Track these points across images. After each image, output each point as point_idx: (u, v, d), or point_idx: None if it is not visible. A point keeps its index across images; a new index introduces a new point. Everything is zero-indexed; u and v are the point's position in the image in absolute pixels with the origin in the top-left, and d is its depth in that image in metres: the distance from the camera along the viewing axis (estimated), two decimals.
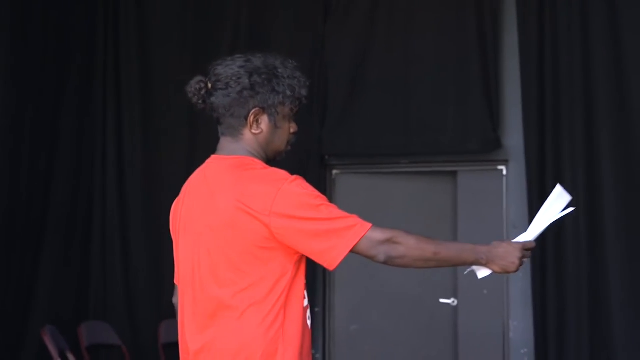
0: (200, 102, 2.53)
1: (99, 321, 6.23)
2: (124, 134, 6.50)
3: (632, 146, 5.52)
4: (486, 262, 2.50)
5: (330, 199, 6.36)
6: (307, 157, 6.21)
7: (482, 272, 2.52)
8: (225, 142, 2.54)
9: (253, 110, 2.49)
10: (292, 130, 2.58)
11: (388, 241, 2.39)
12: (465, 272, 2.54)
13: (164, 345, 5.90)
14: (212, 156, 2.56)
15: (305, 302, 2.47)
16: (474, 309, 6.02)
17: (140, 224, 6.41)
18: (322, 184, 6.31)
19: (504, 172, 6.06)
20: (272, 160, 2.58)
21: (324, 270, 6.28)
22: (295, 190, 2.39)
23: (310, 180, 7.00)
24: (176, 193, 2.65)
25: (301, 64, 6.68)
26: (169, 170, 6.30)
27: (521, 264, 2.51)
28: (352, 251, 2.40)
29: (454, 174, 6.18)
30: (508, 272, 2.52)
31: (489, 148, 5.96)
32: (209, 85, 2.51)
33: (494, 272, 2.52)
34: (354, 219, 2.42)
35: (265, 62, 2.52)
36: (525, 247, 2.53)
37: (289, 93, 2.50)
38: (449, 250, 2.47)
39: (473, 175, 6.14)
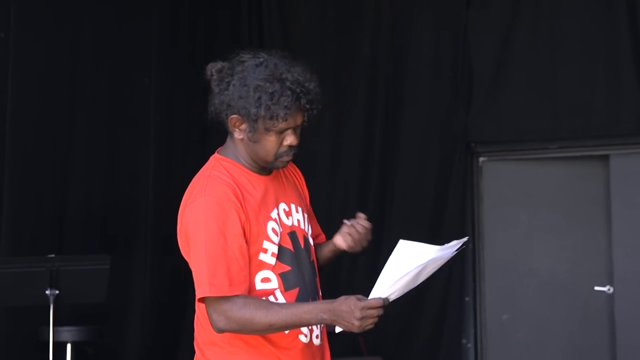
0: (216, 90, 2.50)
1: None
2: None
3: None
4: (330, 321, 2.33)
5: (478, 187, 6.34)
6: (454, 145, 6.17)
7: (337, 327, 2.35)
8: (228, 139, 2.57)
9: (232, 117, 2.46)
10: (286, 143, 2.46)
11: (220, 315, 2.37)
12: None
13: None
14: (216, 152, 2.61)
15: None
16: (631, 297, 5.83)
17: None
18: (468, 171, 6.25)
19: None
20: (270, 167, 2.51)
21: (474, 260, 6.23)
22: (187, 216, 2.45)
23: (457, 168, 6.97)
24: None
25: (444, 53, 6.69)
26: (314, 162, 6.37)
27: (365, 324, 2.30)
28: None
29: (605, 157, 5.99)
30: (352, 331, 2.33)
31: None
32: (214, 76, 2.50)
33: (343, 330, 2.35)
34: (206, 277, 2.37)
35: (264, 71, 2.43)
36: (367, 306, 2.29)
37: (262, 112, 2.39)
38: (285, 318, 2.34)
39: (626, 158, 5.93)
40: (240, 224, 2.40)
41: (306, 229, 2.58)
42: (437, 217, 6.21)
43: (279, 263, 2.46)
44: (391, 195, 6.30)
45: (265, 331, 2.39)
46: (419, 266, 2.32)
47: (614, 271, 5.90)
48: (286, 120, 2.41)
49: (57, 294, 4.87)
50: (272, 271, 2.45)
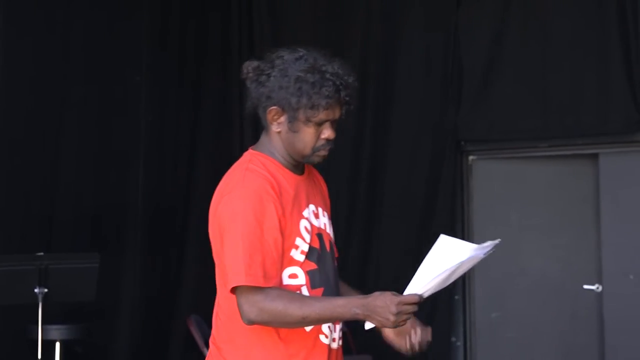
0: (251, 88, 2.51)
1: None
2: (260, 127, 6.61)
3: None
4: (364, 317, 2.31)
5: (467, 186, 6.35)
6: (444, 143, 6.18)
7: (367, 324, 2.33)
8: (262, 134, 2.55)
9: (271, 108, 2.46)
10: (323, 136, 2.47)
11: (252, 306, 2.33)
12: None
13: None
14: (249, 148, 2.59)
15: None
16: (620, 296, 5.84)
17: None
18: (458, 170, 6.26)
19: None
20: (305, 162, 2.52)
21: None
22: (224, 207, 2.42)
23: (447, 167, 6.98)
24: None
25: (435, 51, 6.69)
26: None
27: (400, 319, 2.30)
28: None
29: (595, 156, 6.00)
30: (386, 327, 2.35)
31: (632, 128, 5.77)
32: (251, 73, 2.50)
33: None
34: (242, 266, 2.34)
35: (307, 63, 2.45)
36: (403, 301, 2.30)
37: (304, 101, 2.41)
38: (319, 311, 2.32)
39: (616, 157, 5.94)
40: (277, 217, 2.38)
41: (331, 234, 2.58)
42: (427, 215, 6.21)
43: (307, 261, 2.44)
44: (381, 193, 6.30)
45: (297, 324, 2.36)
46: (457, 264, 2.34)
47: (603, 270, 5.91)
48: (327, 110, 2.42)
49: (46, 292, 4.86)
50: (301, 268, 2.43)
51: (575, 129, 5.93)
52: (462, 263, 2.35)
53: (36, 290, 4.84)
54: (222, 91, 6.64)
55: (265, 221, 2.37)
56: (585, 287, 6.03)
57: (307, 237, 2.45)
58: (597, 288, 5.99)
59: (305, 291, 2.43)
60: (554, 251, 6.04)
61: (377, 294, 2.33)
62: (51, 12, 5.55)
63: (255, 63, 2.50)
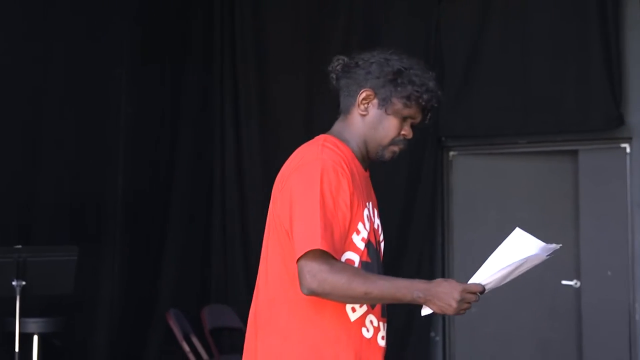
0: (334, 79, 2.53)
1: (221, 305, 6.37)
2: (241, 125, 6.62)
3: None
4: (424, 301, 2.31)
5: (448, 181, 6.36)
6: (424, 139, 6.18)
7: (425, 310, 2.33)
8: (336, 122, 2.54)
9: (365, 90, 2.46)
10: (403, 132, 2.51)
11: (316, 275, 2.25)
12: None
13: (211, 331, 5.92)
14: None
15: None
16: (597, 291, 5.88)
17: (258, 209, 6.51)
18: (439, 165, 6.28)
19: (628, 150, 5.88)
20: (373, 157, 2.52)
21: (443, 253, 6.25)
22: (298, 176, 2.35)
23: (427, 163, 6.99)
24: None
25: (416, 47, 6.70)
26: (286, 156, 6.36)
27: (462, 307, 2.32)
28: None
29: (574, 153, 6.03)
30: (446, 314, 2.33)
31: (611, 125, 5.79)
32: (346, 65, 2.52)
33: (434, 312, 2.33)
34: (319, 231, 2.26)
35: (402, 60, 2.50)
36: (467, 289, 2.34)
37: (408, 88, 2.44)
38: (382, 289, 2.28)
39: (595, 153, 5.97)
40: (349, 195, 2.35)
41: (382, 237, 2.55)
42: (407, 211, 6.22)
43: (365, 251, 2.40)
44: None
45: (358, 299, 2.31)
46: (523, 259, 2.35)
47: (581, 266, 5.95)
48: (417, 108, 2.47)
49: (24, 285, 4.83)
50: (359, 256, 2.39)
51: (555, 125, 5.96)
52: (527, 259, 2.36)
53: (14, 283, 4.80)
54: (204, 86, 6.62)
55: (340, 196, 2.33)
56: (564, 282, 6.06)
57: (368, 226, 2.42)
58: (576, 284, 6.02)
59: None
60: None
61: (440, 280, 2.34)
62: (32, 4, 5.51)
63: (344, 57, 2.53)
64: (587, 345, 5.89)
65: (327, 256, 2.26)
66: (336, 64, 2.53)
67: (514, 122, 6.04)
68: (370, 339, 2.41)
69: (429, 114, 2.52)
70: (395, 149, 2.53)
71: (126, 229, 5.97)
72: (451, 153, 6.37)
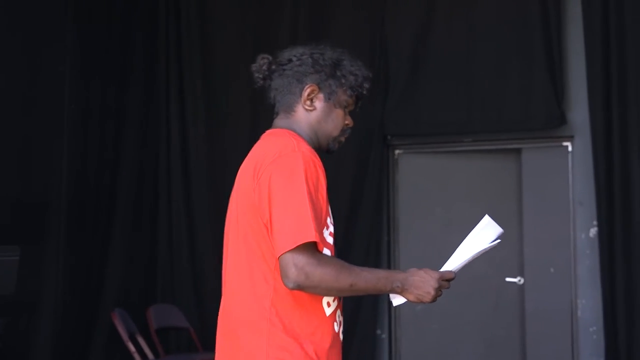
0: (261, 78, 2.51)
1: (167, 304, 6.32)
2: (187, 120, 6.58)
3: None
4: (401, 291, 2.34)
5: (393, 179, 6.40)
6: (369, 138, 6.21)
7: (397, 300, 2.37)
8: (277, 120, 2.51)
9: (308, 86, 2.47)
10: (346, 122, 2.53)
11: (303, 268, 2.22)
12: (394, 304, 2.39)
13: (157, 331, 5.89)
14: (266, 131, 2.51)
15: None
16: (540, 288, 5.96)
17: (204, 208, 6.48)
18: (384, 164, 6.30)
19: (570, 149, 5.97)
20: (324, 149, 2.51)
21: (389, 251, 6.28)
22: (279, 167, 2.30)
23: (373, 161, 6.99)
24: None
25: (361, 45, 6.69)
26: (232, 155, 6.34)
27: (438, 294, 2.37)
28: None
29: (518, 151, 6.11)
30: (423, 302, 2.36)
31: (553, 124, 5.88)
32: (273, 64, 2.51)
33: (408, 301, 2.37)
34: (311, 222, 2.23)
35: (334, 53, 2.53)
36: (443, 277, 2.40)
37: (350, 79, 2.49)
38: (366, 281, 2.29)
39: (537, 152, 6.06)
40: (325, 188, 2.34)
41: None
42: (353, 209, 6.24)
43: (333, 245, 2.39)
44: None
45: (343, 292, 2.30)
46: (488, 245, 2.42)
47: (525, 263, 6.03)
48: (362, 93, 2.52)
49: None
50: (329, 250, 2.36)
51: (499, 124, 6.02)
52: (489, 246, 2.44)
53: None
54: (150, 84, 6.56)
55: (319, 189, 2.31)
56: (508, 279, 6.13)
57: (332, 221, 2.42)
58: (519, 281, 6.10)
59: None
60: None
61: (414, 269, 2.37)
62: None
63: (269, 56, 2.53)
64: (530, 341, 5.97)
65: (314, 249, 2.25)
66: (261, 63, 2.52)
67: (458, 120, 6.09)
68: (337, 333, 2.44)
69: (360, 102, 2.56)
70: (342, 139, 2.54)
71: (70, 228, 5.89)
72: (397, 151, 6.40)
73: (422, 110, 6.16)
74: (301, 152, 2.32)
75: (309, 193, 2.26)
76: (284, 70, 2.49)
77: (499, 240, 2.49)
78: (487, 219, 2.47)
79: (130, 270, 6.29)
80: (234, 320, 2.38)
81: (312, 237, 2.22)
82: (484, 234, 2.47)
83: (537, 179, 6.03)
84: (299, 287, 2.25)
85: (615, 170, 5.57)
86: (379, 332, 6.32)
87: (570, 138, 5.96)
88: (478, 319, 6.22)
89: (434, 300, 2.36)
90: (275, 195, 2.27)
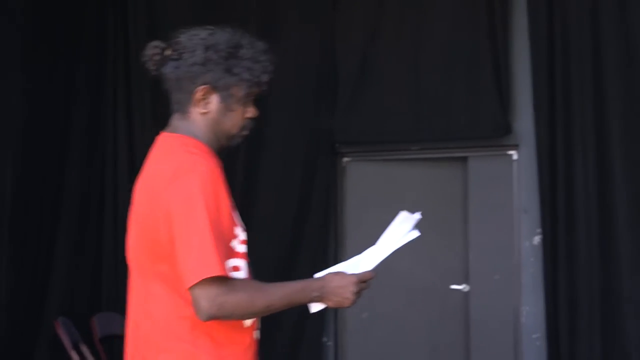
0: (154, 69, 2.36)
1: (112, 312, 6.24)
2: (134, 125, 6.50)
3: None
4: (320, 300, 2.32)
5: (341, 187, 6.41)
6: (317, 145, 6.21)
7: (315, 306, 2.35)
8: (175, 120, 2.38)
9: (201, 87, 2.30)
10: (248, 115, 2.40)
11: (214, 300, 2.15)
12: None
13: (101, 340, 5.83)
14: (163, 133, 2.41)
15: None
16: (485, 295, 6.02)
17: None
18: (332, 171, 6.31)
19: (515, 157, 6.04)
20: (226, 145, 2.41)
21: (336, 258, 6.28)
22: (178, 192, 2.18)
23: (321, 169, 6.98)
24: None
25: (310, 54, 6.68)
26: None
27: (357, 297, 2.35)
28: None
29: (464, 159, 6.16)
30: (342, 307, 2.34)
31: (499, 133, 5.94)
32: (164, 53, 2.35)
33: (328, 307, 2.35)
34: (214, 255, 2.14)
35: (231, 39, 2.33)
36: (361, 279, 2.37)
37: (246, 76, 2.31)
38: (282, 298, 2.24)
39: (484, 160, 6.12)
40: (229, 203, 2.26)
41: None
42: (301, 217, 6.23)
43: (245, 252, 2.33)
44: (255, 193, 6.27)
45: (259, 314, 2.25)
46: (408, 238, 2.42)
47: (470, 270, 6.08)
48: (262, 85, 2.35)
49: None
50: (242, 259, 2.30)
51: (446, 132, 6.07)
52: (407, 240, 2.44)
53: None
54: (97, 77, 6.47)
55: (222, 208, 2.21)
56: (453, 287, 6.18)
57: (241, 226, 2.34)
58: (464, 288, 6.15)
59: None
60: (423, 252, 6.17)
61: (331, 275, 2.33)
62: None
63: (162, 44, 2.36)
64: (474, 347, 6.02)
65: (223, 277, 2.17)
66: (152, 52, 2.36)
67: (405, 129, 6.12)
68: (257, 340, 2.41)
69: (261, 86, 2.41)
70: (246, 132, 2.43)
71: (13, 231, 5.77)
72: (344, 159, 6.42)
73: (370, 119, 6.18)
74: (198, 171, 2.20)
75: (211, 221, 2.16)
76: (176, 65, 2.32)
77: (418, 234, 2.46)
78: (403, 214, 2.45)
79: (74, 278, 6.19)
80: (150, 345, 2.29)
81: (216, 271, 2.14)
82: (402, 229, 2.46)
83: (482, 187, 6.09)
84: (214, 318, 2.19)
85: (559, 178, 5.65)
86: (325, 339, 6.32)
87: (515, 147, 6.03)
88: (423, 326, 6.26)
89: (352, 304, 2.34)
90: (176, 228, 2.17)
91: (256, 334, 2.40)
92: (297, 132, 6.23)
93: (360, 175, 6.40)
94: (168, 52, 2.34)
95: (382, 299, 6.28)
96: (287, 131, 6.24)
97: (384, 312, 6.30)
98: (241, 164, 6.29)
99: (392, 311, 6.29)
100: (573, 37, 5.67)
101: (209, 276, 2.14)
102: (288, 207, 6.22)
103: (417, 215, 2.48)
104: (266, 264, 6.07)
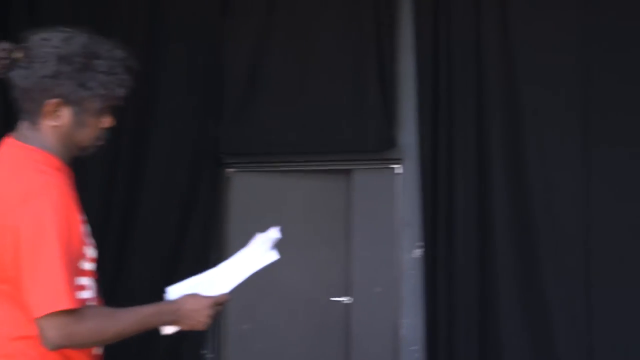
0: (1, 72, 2.20)
1: None
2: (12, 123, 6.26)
3: (521, 146, 5.62)
4: (174, 323, 2.31)
5: (225, 198, 6.32)
6: (202, 156, 6.12)
7: (168, 329, 2.33)
8: (24, 128, 2.23)
9: (52, 101, 2.17)
10: (104, 125, 2.29)
11: (62, 330, 2.08)
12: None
13: None
14: (10, 139, 2.26)
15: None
16: (366, 307, 6.05)
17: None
18: (216, 182, 6.23)
19: (399, 171, 6.10)
20: (78, 156, 2.31)
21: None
22: (29, 217, 2.07)
23: (205, 179, 6.87)
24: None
25: (197, 64, 6.56)
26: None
27: (212, 320, 2.35)
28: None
29: (349, 172, 6.19)
30: (196, 329, 2.34)
31: (384, 146, 5.99)
32: (12, 56, 2.18)
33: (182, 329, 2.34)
34: (63, 288, 2.06)
35: (88, 47, 2.19)
36: (217, 302, 2.36)
37: (100, 91, 2.20)
38: (133, 323, 2.19)
39: (368, 173, 6.16)
40: (81, 226, 2.16)
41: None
42: (182, 228, 6.12)
43: (93, 272, 2.25)
44: (137, 203, 6.13)
45: (112, 340, 2.16)
46: (266, 262, 2.41)
47: (352, 282, 6.10)
48: (118, 98, 2.24)
49: None
50: (90, 277, 2.22)
51: (331, 145, 6.08)
52: (266, 263, 2.45)
53: None
54: None
55: (73, 230, 2.12)
56: (333, 299, 6.19)
57: (90, 242, 2.25)
58: (346, 300, 6.16)
59: (92, 303, 2.24)
60: (306, 264, 6.16)
61: (185, 297, 2.29)
62: None
63: (9, 46, 2.19)
64: (355, 359, 6.04)
65: (70, 310, 2.09)
66: (2, 56, 2.17)
67: (291, 141, 6.10)
68: (99, 354, 2.34)
69: (116, 100, 2.29)
70: (99, 142, 2.33)
71: None
72: (229, 170, 6.35)
73: (256, 130, 6.14)
74: (48, 195, 2.08)
75: (62, 249, 2.07)
76: (25, 76, 2.17)
77: (277, 257, 2.46)
78: (260, 236, 2.46)
79: None
80: None
81: (66, 304, 2.07)
82: (260, 250, 2.48)
83: (366, 200, 6.12)
84: (63, 347, 2.12)
85: (440, 193, 5.73)
86: (205, 351, 6.23)
87: (399, 160, 6.09)
88: (304, 338, 6.24)
89: (208, 326, 2.32)
90: (25, 254, 2.07)
91: (97, 350, 2.32)
92: (182, 141, 6.13)
93: (244, 187, 6.34)
94: (17, 56, 2.18)
95: (263, 310, 6.24)
96: (172, 141, 6.13)
97: (265, 323, 6.25)
98: (123, 172, 6.14)
99: (273, 323, 6.25)
100: (457, 54, 5.77)
101: (58, 309, 2.06)
102: (170, 217, 6.10)
103: (276, 234, 2.45)
104: (148, 277, 5.90)
